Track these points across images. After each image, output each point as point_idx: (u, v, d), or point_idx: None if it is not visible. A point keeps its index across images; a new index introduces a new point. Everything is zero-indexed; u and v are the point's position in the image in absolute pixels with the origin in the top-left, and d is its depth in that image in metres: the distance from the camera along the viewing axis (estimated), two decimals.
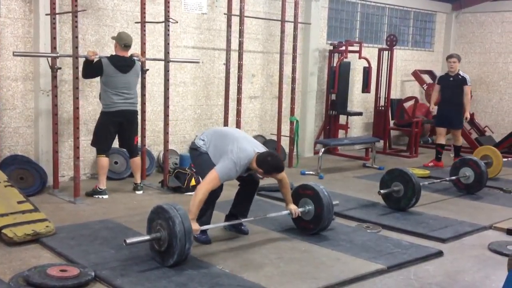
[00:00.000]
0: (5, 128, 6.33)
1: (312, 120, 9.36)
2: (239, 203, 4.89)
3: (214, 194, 4.39)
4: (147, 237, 4.01)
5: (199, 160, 4.68)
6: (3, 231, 4.42)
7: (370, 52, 10.03)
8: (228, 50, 7.43)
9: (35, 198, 5.71)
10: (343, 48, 9.28)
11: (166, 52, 6.38)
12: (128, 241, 3.87)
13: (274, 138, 8.41)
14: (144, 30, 6.68)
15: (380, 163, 8.59)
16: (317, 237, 4.81)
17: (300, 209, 4.80)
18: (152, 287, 3.64)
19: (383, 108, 9.96)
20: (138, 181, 6.42)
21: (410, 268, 4.24)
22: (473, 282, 4.03)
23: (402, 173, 5.86)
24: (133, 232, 4.67)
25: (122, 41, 5.97)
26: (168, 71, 6.48)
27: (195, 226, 4.12)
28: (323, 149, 8.08)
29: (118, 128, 6.13)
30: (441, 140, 8.67)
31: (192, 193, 6.17)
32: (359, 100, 10.36)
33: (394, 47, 9.75)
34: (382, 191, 5.90)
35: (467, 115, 8.42)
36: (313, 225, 4.82)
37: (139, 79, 6.39)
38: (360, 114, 9.90)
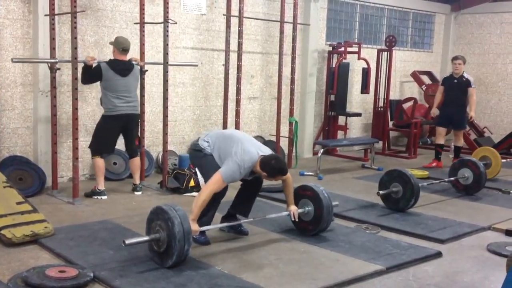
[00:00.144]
0: (4, 129, 6.32)
1: (311, 121, 9.36)
2: (240, 203, 4.88)
3: (218, 194, 4.39)
4: (146, 238, 4.01)
5: (203, 162, 4.67)
6: (2, 232, 4.41)
7: (369, 53, 10.04)
8: (227, 51, 7.44)
9: (34, 199, 5.70)
10: (342, 49, 9.29)
11: (165, 53, 6.38)
12: (127, 241, 3.87)
13: (273, 139, 8.41)
14: (143, 31, 6.69)
15: (379, 164, 8.59)
16: (316, 238, 4.81)
17: (300, 210, 4.80)
18: None
19: (382, 109, 9.97)
20: (137, 181, 6.42)
21: (409, 269, 4.25)
22: (472, 283, 4.03)
23: (401, 174, 5.86)
24: (132, 233, 4.66)
25: (120, 45, 5.99)
26: (167, 72, 6.48)
27: (195, 226, 4.12)
28: (322, 150, 8.08)
29: (120, 131, 6.15)
30: (441, 140, 8.70)
31: (191, 194, 6.24)
32: (358, 101, 10.37)
33: (393, 48, 9.76)
34: (381, 192, 5.90)
35: (473, 114, 8.48)
36: (312, 226, 4.82)
37: (139, 83, 6.41)
38: (359, 115, 9.91)
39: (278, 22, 8.05)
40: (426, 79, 11.11)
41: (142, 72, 6.55)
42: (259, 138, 8.62)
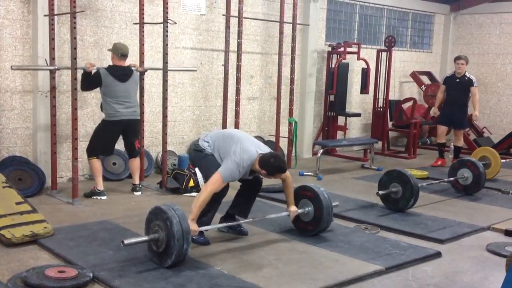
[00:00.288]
0: (3, 129, 6.32)
1: (311, 121, 9.36)
2: (239, 204, 4.87)
3: (219, 194, 4.39)
4: (144, 238, 4.01)
5: (204, 162, 4.67)
6: (1, 232, 4.41)
7: (369, 53, 10.05)
8: (226, 51, 7.44)
9: (33, 199, 5.69)
10: (342, 49, 9.29)
11: (165, 53, 6.37)
12: (125, 242, 3.86)
13: (273, 139, 8.40)
14: (143, 31, 6.68)
15: (379, 164, 8.60)
16: (315, 238, 4.81)
17: (300, 210, 4.80)
18: None
19: (381, 109, 9.97)
20: (137, 182, 6.42)
21: (408, 269, 4.25)
22: (471, 283, 4.03)
23: (400, 174, 5.87)
24: (131, 233, 4.66)
25: (119, 51, 6.01)
26: (167, 72, 6.47)
27: (194, 226, 4.12)
28: (321, 150, 8.08)
29: (119, 135, 6.20)
30: (442, 139, 8.78)
31: (190, 194, 6.24)
32: (358, 101, 10.37)
33: (393, 48, 9.76)
34: (380, 192, 5.90)
35: (477, 113, 8.50)
36: (312, 226, 4.82)
37: (138, 87, 6.44)
38: (358, 115, 9.91)
39: (278, 22, 8.05)
40: (425, 79, 11.11)
41: (142, 72, 6.57)
42: (259, 138, 8.61)
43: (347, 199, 6.28)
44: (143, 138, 6.81)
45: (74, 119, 5.78)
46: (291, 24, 8.15)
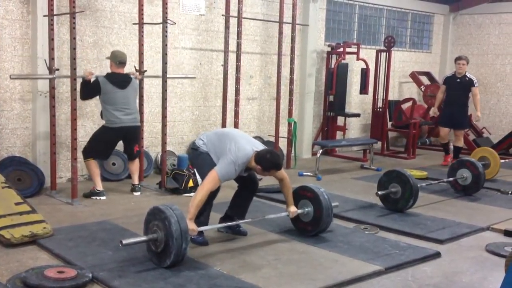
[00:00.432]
0: (3, 129, 6.32)
1: (310, 122, 9.36)
2: (237, 205, 4.88)
3: (211, 194, 4.38)
4: (143, 238, 4.01)
5: (199, 160, 4.70)
6: (1, 232, 4.41)
7: (368, 53, 10.05)
8: (226, 51, 7.44)
9: (33, 200, 5.69)
10: (341, 49, 9.29)
11: (164, 54, 6.37)
12: (124, 242, 3.87)
13: (272, 139, 8.40)
14: (142, 32, 6.68)
15: (378, 165, 8.60)
16: (315, 238, 4.81)
17: (299, 211, 4.80)
18: None
19: (381, 109, 9.97)
20: (136, 182, 6.42)
21: (408, 269, 4.25)
22: (471, 283, 4.03)
23: (399, 174, 5.87)
24: (130, 234, 4.66)
25: (117, 59, 6.03)
26: (166, 72, 6.47)
27: (192, 226, 4.12)
28: (321, 150, 8.08)
29: (118, 141, 6.23)
30: (445, 140, 8.86)
31: (190, 194, 6.23)
32: (357, 101, 10.37)
33: (392, 49, 9.76)
34: (379, 192, 5.90)
35: (479, 114, 8.51)
36: (311, 227, 4.82)
37: (138, 94, 6.45)
38: (358, 115, 9.91)
39: (277, 22, 8.05)
40: (425, 79, 11.10)
41: (141, 73, 6.57)
42: (258, 138, 8.60)
43: (346, 199, 6.28)
44: (143, 138, 6.80)
45: (74, 119, 5.78)
46: (291, 25, 8.15)
